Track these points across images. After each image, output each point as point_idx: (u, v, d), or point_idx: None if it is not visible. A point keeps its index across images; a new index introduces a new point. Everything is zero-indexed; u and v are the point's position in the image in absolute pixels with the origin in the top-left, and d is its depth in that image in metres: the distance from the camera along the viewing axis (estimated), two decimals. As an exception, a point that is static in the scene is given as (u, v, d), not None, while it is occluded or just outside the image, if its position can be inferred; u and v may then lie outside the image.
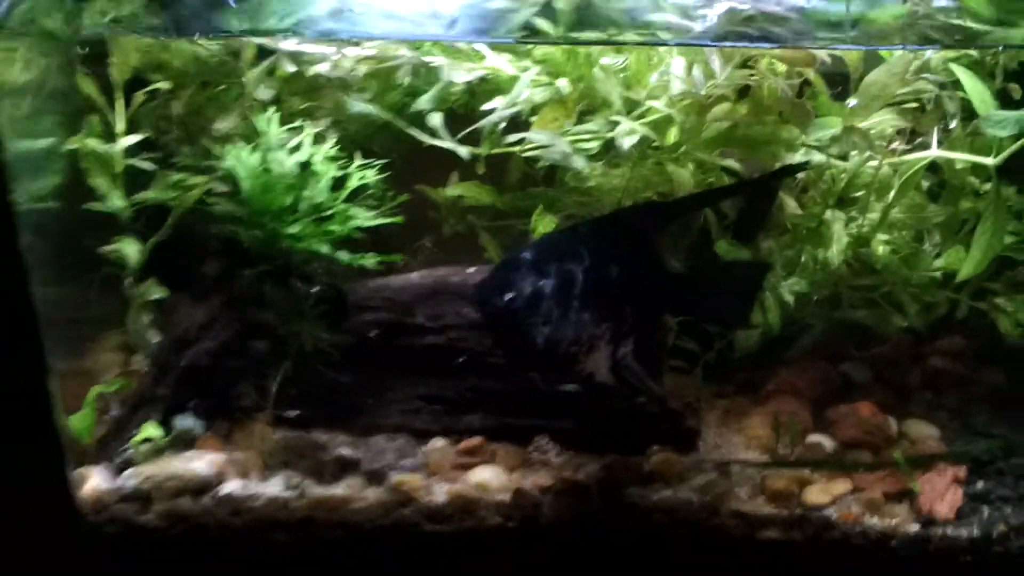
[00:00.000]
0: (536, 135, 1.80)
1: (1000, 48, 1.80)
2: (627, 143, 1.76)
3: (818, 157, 1.86)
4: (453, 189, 2.00)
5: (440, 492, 1.82)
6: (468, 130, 1.87)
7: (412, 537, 1.81)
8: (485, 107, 1.83)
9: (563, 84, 1.79)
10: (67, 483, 1.80)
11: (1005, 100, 1.85)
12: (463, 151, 1.86)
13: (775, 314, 1.93)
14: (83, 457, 1.86)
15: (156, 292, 1.96)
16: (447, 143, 1.86)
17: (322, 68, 1.82)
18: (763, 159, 1.85)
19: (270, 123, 1.80)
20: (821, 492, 1.83)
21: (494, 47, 1.84)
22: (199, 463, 1.84)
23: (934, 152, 1.88)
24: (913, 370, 2.10)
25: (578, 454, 1.89)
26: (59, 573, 1.85)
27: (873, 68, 1.86)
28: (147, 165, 1.89)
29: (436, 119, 1.85)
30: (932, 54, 1.82)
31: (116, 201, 1.88)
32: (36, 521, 1.79)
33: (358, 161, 1.85)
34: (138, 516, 1.80)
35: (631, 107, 1.84)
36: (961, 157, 1.89)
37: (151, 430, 1.86)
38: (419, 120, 1.90)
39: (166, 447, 1.87)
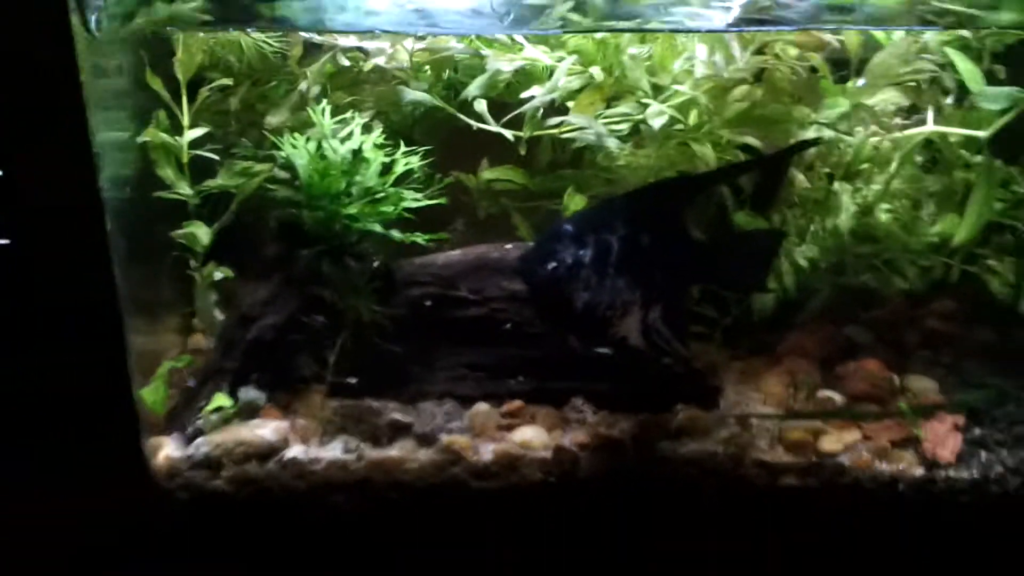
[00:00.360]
0: (575, 118, 1.90)
1: (991, 29, 1.90)
2: (657, 123, 1.86)
3: (827, 134, 1.96)
4: (488, 173, 2.09)
5: (486, 451, 1.92)
6: (510, 116, 1.96)
7: (461, 494, 1.91)
8: (525, 94, 1.92)
9: (596, 72, 1.90)
10: (142, 452, 1.89)
11: (991, 80, 1.93)
12: (508, 134, 1.96)
13: (791, 278, 2.03)
14: (156, 428, 1.96)
15: (222, 273, 2.05)
16: (493, 127, 1.96)
17: (379, 61, 1.93)
18: (778, 137, 1.95)
19: (323, 114, 1.89)
20: (834, 441, 1.94)
21: (531, 40, 1.93)
22: (265, 430, 1.94)
23: (931, 127, 1.98)
24: (911, 330, 2.18)
25: (612, 413, 1.98)
26: (135, 537, 1.92)
27: (871, 53, 1.96)
28: (211, 155, 1.98)
29: (482, 105, 1.94)
30: (930, 36, 1.91)
31: (184, 189, 1.96)
32: (114, 488, 1.88)
33: (403, 149, 1.93)
34: (208, 481, 1.90)
35: (658, 92, 1.94)
36: (955, 131, 1.98)
37: (221, 400, 1.94)
38: (463, 109, 1.99)
39: (233, 417, 1.96)
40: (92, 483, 1.88)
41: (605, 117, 1.95)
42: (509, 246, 2.05)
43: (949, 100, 2.00)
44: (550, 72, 1.94)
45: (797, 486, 1.89)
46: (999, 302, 2.11)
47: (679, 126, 1.95)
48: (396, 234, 1.94)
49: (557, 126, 1.96)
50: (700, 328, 2.06)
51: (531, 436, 1.95)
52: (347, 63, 1.97)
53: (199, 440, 1.93)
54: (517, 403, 2.02)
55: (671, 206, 1.85)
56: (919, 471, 1.89)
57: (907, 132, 2.00)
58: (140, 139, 1.90)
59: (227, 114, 2.03)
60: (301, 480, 1.90)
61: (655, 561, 1.93)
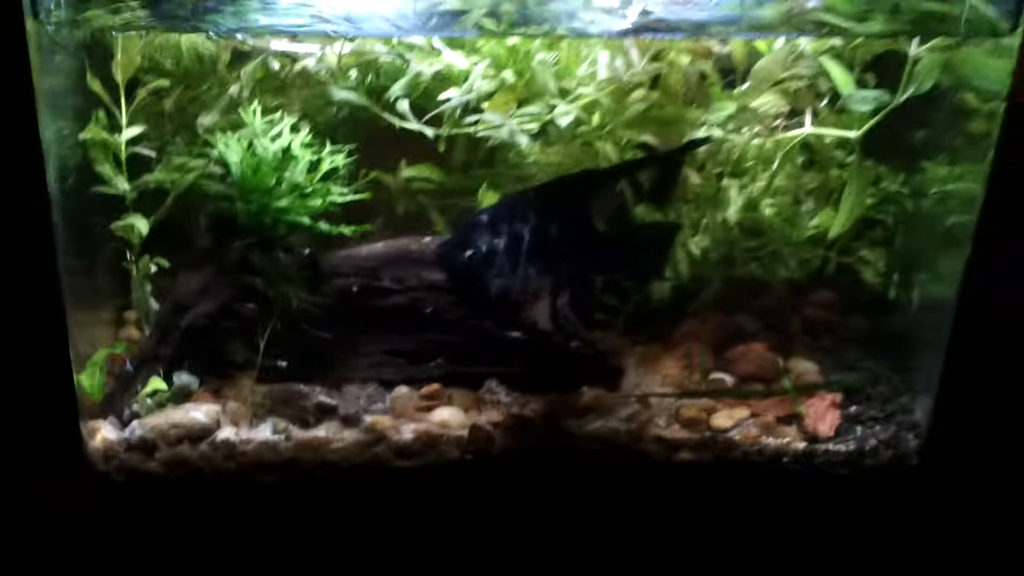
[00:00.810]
0: (490, 117, 2.00)
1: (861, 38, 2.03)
2: (563, 123, 1.97)
3: (716, 133, 2.08)
4: (408, 171, 2.17)
5: (407, 431, 2.00)
6: (429, 116, 2.04)
7: (384, 472, 1.98)
8: (443, 96, 2.00)
9: (508, 75, 1.99)
10: (80, 435, 1.93)
11: (863, 86, 2.06)
12: (428, 132, 2.04)
13: (685, 267, 2.14)
14: (94, 412, 2.00)
15: (157, 264, 2.10)
16: (414, 125, 2.04)
17: (309, 63, 2.00)
18: (672, 136, 2.07)
19: (254, 115, 1.96)
20: (725, 418, 2.07)
21: (449, 45, 2.02)
22: (197, 413, 1.99)
23: (808, 129, 2.10)
24: (794, 317, 2.31)
25: (523, 394, 2.07)
26: (73, 519, 1.96)
27: (755, 60, 2.08)
28: (148, 152, 2.04)
29: (404, 105, 2.02)
30: (805, 45, 2.04)
31: (121, 184, 2.01)
32: (53, 470, 1.92)
33: (329, 148, 2.02)
34: (143, 463, 1.94)
35: (564, 94, 2.03)
36: (830, 133, 2.11)
37: (156, 384, 2.00)
38: (386, 109, 2.07)
39: (167, 401, 2.01)
40: (32, 465, 1.91)
41: (517, 117, 2.04)
42: (428, 239, 2.13)
43: (824, 104, 2.12)
44: (466, 75, 2.02)
45: (692, 460, 2.01)
46: (872, 291, 2.25)
47: (584, 126, 2.05)
48: (323, 226, 2.00)
49: (473, 124, 2.05)
50: (604, 316, 2.15)
51: (449, 416, 2.04)
52: (276, 67, 2.05)
53: (134, 423, 1.98)
54: (436, 386, 2.10)
55: (577, 199, 1.96)
56: (801, 445, 2.02)
57: (787, 133, 2.11)
58: (81, 137, 1.94)
59: (163, 114, 2.07)
60: (232, 461, 1.96)
61: (564, 530, 2.02)
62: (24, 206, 1.75)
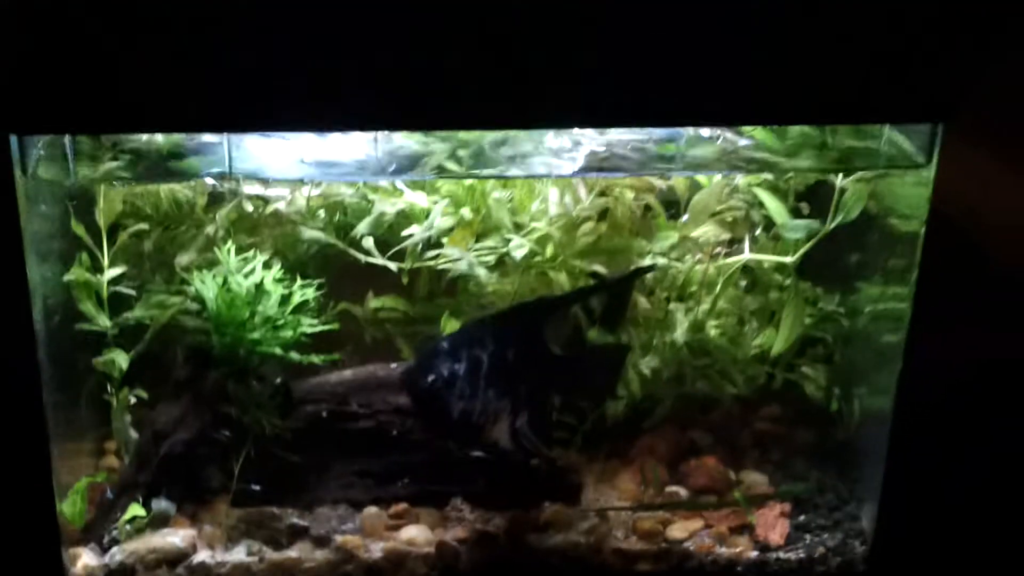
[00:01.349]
0: (450, 251, 2.11)
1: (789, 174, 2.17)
2: (518, 255, 2.08)
3: (661, 261, 2.20)
4: (374, 302, 2.27)
5: (376, 549, 2.07)
6: (393, 251, 2.16)
7: None
8: (406, 232, 2.12)
9: (466, 212, 2.12)
10: (62, 562, 1.99)
11: (798, 215, 2.19)
12: (392, 266, 2.14)
13: (636, 385, 2.23)
14: (75, 539, 2.05)
15: (137, 395, 2.17)
16: (379, 260, 2.15)
17: (280, 205, 2.12)
18: (621, 265, 2.18)
19: (228, 253, 2.06)
20: (680, 529, 2.15)
21: (410, 186, 2.14)
22: (174, 537, 2.06)
23: (746, 255, 2.23)
24: (744, 431, 2.40)
25: (487, 511, 2.15)
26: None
27: (696, 192, 2.21)
28: (128, 291, 2.13)
29: (369, 241, 2.13)
30: (740, 179, 2.18)
31: (103, 321, 2.10)
32: None
33: (299, 282, 2.11)
34: None
35: (519, 228, 2.16)
36: (766, 258, 2.24)
37: (135, 511, 2.05)
38: (353, 246, 2.18)
39: (146, 526, 2.07)
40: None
41: (475, 250, 2.15)
42: (394, 365, 2.23)
43: (760, 232, 2.24)
44: (427, 213, 2.14)
45: (650, 570, 2.09)
46: (816, 405, 2.34)
47: (537, 257, 2.16)
48: (294, 355, 2.09)
49: (434, 258, 2.16)
50: (562, 434, 2.22)
51: (416, 534, 2.11)
52: (250, 208, 2.15)
53: (114, 549, 2.04)
54: (403, 505, 2.17)
55: (532, 325, 2.07)
56: (753, 554, 2.10)
57: (727, 260, 2.24)
58: (66, 278, 2.03)
59: (142, 255, 2.17)
60: (209, 582, 2.07)
61: None
62: (10, 343, 1.84)
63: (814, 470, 2.32)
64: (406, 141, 2.00)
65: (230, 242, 2.11)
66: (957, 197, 1.91)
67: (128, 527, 2.06)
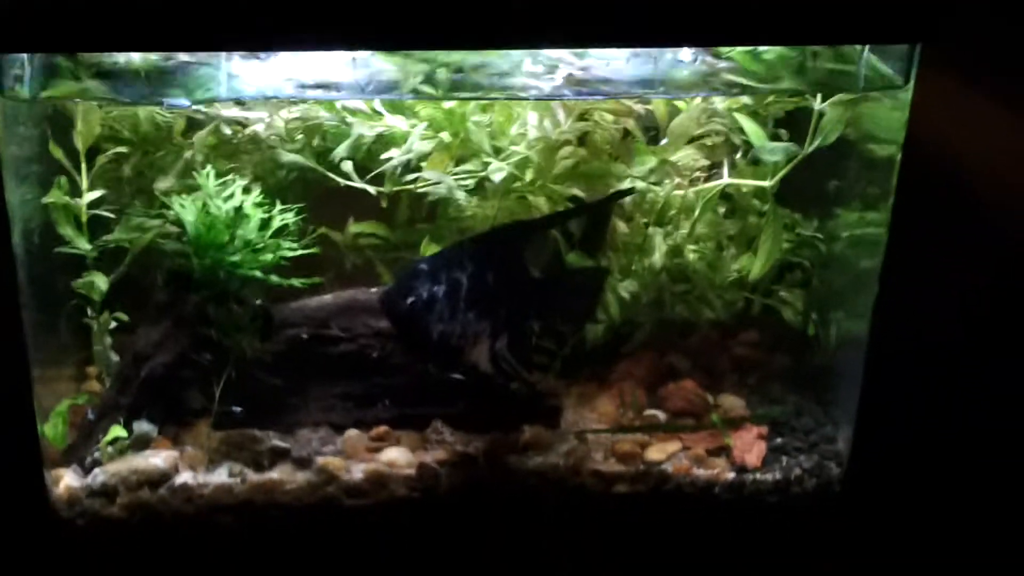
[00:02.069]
0: (429, 174, 2.10)
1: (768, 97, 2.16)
2: (497, 178, 2.07)
3: (640, 185, 2.19)
4: (354, 227, 2.27)
5: (357, 471, 2.08)
6: (372, 174, 2.15)
7: (336, 510, 2.06)
8: (385, 156, 2.11)
9: (445, 136, 2.10)
10: (44, 483, 2.01)
11: (776, 140, 2.18)
12: (371, 190, 2.13)
13: (615, 309, 2.24)
14: (57, 461, 2.07)
15: (117, 318, 2.17)
16: (358, 183, 2.14)
17: (258, 128, 2.10)
18: (600, 189, 2.18)
19: (208, 177, 2.04)
20: (658, 452, 2.16)
21: (389, 108, 2.12)
22: (156, 459, 2.06)
23: (725, 180, 2.22)
24: (721, 356, 2.42)
25: (467, 433, 2.16)
26: (37, 564, 2.03)
27: (675, 116, 2.22)
28: (107, 214, 2.11)
29: (348, 165, 2.12)
30: (719, 103, 2.17)
31: (83, 244, 2.08)
32: (18, 517, 1.99)
33: (279, 207, 2.10)
34: (105, 509, 2.01)
35: (498, 152, 2.15)
36: (744, 183, 2.24)
37: (116, 432, 2.06)
38: (332, 170, 2.16)
39: (127, 448, 2.07)
40: (-4, 513, 2.04)
41: (454, 174, 2.15)
42: (375, 290, 2.22)
43: (739, 157, 2.24)
44: (406, 137, 2.13)
45: (628, 492, 2.10)
46: (793, 330, 2.35)
47: (517, 182, 2.16)
48: (275, 279, 2.08)
49: (413, 182, 2.15)
50: (542, 358, 2.22)
51: (397, 456, 2.12)
52: (228, 132, 2.14)
53: (96, 470, 2.04)
54: (384, 428, 2.18)
55: (511, 248, 2.07)
56: (731, 475, 2.12)
57: (707, 184, 2.23)
58: (44, 200, 2.03)
59: (121, 179, 2.16)
60: (190, 504, 2.02)
61: (508, 563, 2.10)
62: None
63: (791, 394, 2.33)
64: (384, 64, 1.97)
65: (209, 166, 2.09)
66: (934, 120, 1.90)
67: (110, 449, 2.06)
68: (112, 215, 2.16)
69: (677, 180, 2.24)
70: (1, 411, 1.93)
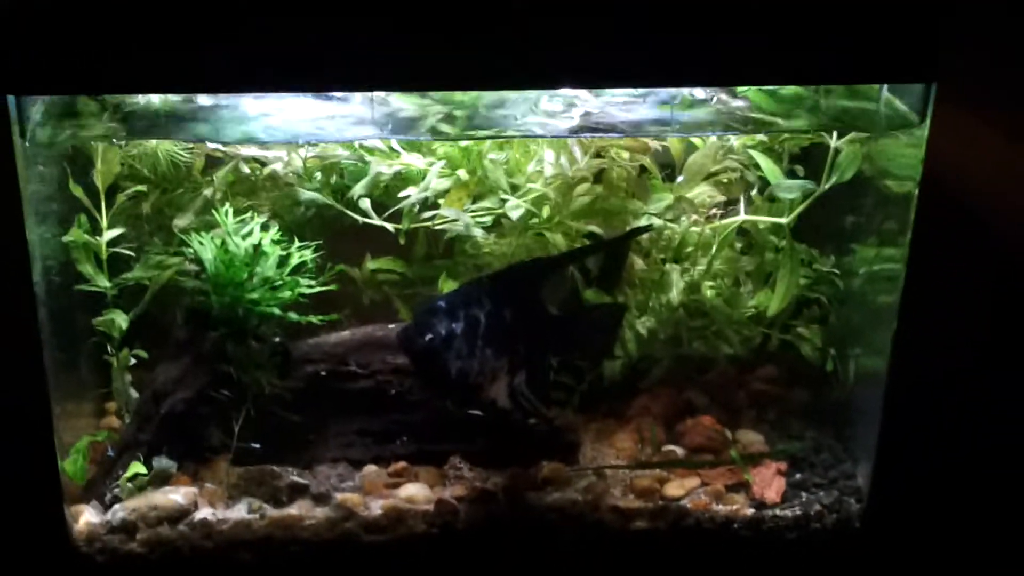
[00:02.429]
0: (446, 211, 2.12)
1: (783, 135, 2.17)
2: (515, 215, 2.09)
3: (657, 222, 2.20)
4: (371, 264, 2.29)
5: (375, 507, 2.08)
6: (390, 212, 2.17)
7: (354, 546, 2.06)
8: (402, 193, 2.13)
9: (462, 174, 2.12)
10: (64, 520, 2.01)
11: (792, 177, 2.19)
12: (389, 227, 2.16)
13: (633, 345, 2.25)
14: (77, 497, 2.08)
15: (137, 355, 2.20)
16: (376, 221, 2.16)
17: (277, 167, 2.13)
18: (616, 225, 2.20)
19: (226, 215, 2.07)
20: (677, 488, 2.16)
21: (407, 147, 2.15)
22: (176, 495, 2.07)
23: (742, 216, 2.23)
24: (740, 391, 2.41)
25: (485, 469, 2.16)
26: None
27: (691, 153, 2.23)
28: (127, 252, 2.14)
29: (366, 203, 2.14)
30: (734, 141, 2.19)
31: (102, 282, 2.11)
32: (39, 554, 2.00)
33: (297, 243, 2.11)
34: (125, 544, 2.02)
35: (515, 189, 2.17)
36: (761, 220, 2.25)
37: (136, 469, 2.07)
38: (349, 208, 2.19)
39: (147, 484, 2.08)
40: (18, 550, 1.99)
41: (471, 211, 2.16)
42: (392, 326, 2.23)
43: (756, 193, 2.25)
44: (423, 175, 2.15)
45: (647, 528, 2.10)
46: (811, 365, 2.34)
47: (534, 219, 2.18)
48: (293, 316, 2.10)
49: (431, 219, 2.17)
50: (560, 394, 2.23)
51: (415, 492, 2.12)
52: (247, 171, 2.17)
53: (116, 506, 2.05)
54: (402, 464, 2.18)
55: (529, 285, 2.07)
56: (750, 511, 2.11)
57: (723, 221, 2.24)
58: (65, 239, 2.05)
59: (140, 217, 2.18)
60: (209, 539, 2.03)
61: None
62: (11, 304, 1.85)
63: (810, 429, 2.33)
64: (402, 103, 1.99)
65: (227, 204, 2.12)
66: (950, 156, 1.90)
67: (130, 485, 2.07)
68: (132, 253, 2.19)
69: (694, 217, 2.25)
70: (22, 447, 1.94)
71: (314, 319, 2.14)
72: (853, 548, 2.13)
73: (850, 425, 2.27)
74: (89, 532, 2.03)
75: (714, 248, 2.26)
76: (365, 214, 2.19)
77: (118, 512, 2.05)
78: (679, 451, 2.27)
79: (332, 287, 2.16)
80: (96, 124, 1.92)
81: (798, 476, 2.20)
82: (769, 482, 2.18)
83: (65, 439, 2.04)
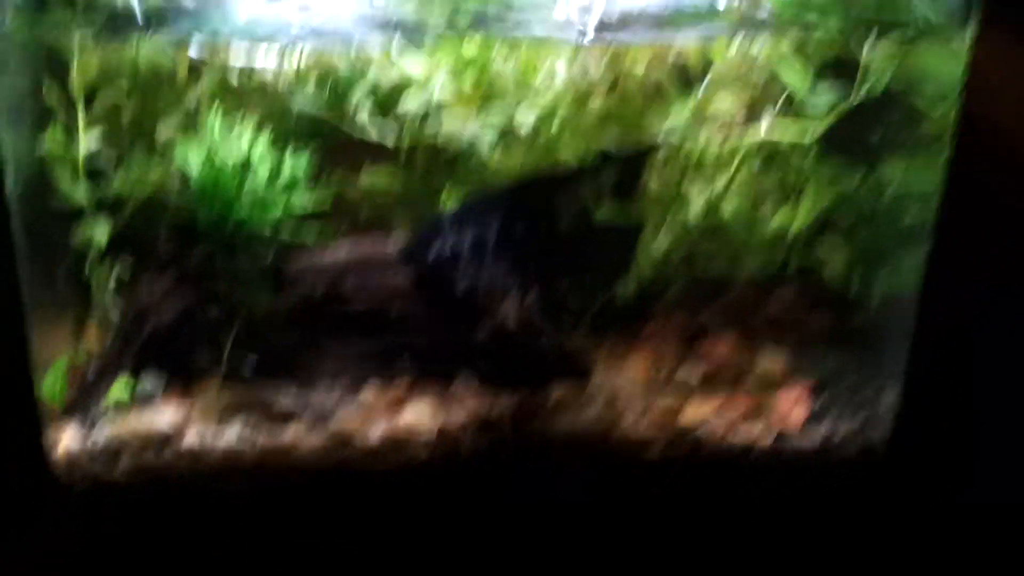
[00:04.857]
0: (451, 121, 2.00)
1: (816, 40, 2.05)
2: (524, 125, 1.97)
3: (676, 135, 2.09)
4: (370, 177, 2.16)
5: (374, 434, 1.98)
6: (388, 123, 2.05)
7: (352, 476, 1.97)
8: (402, 101, 2.00)
9: (467, 81, 2.00)
10: (42, 445, 1.90)
11: (819, 88, 2.08)
12: (389, 138, 2.04)
13: (648, 265, 2.13)
14: (56, 421, 1.96)
15: (118, 272, 2.07)
16: (374, 132, 2.04)
17: (266, 72, 1.99)
18: (633, 139, 2.08)
19: (213, 122, 1.95)
20: (693, 414, 2.05)
21: (408, 54, 2.02)
22: (161, 420, 1.96)
23: (765, 129, 2.11)
24: (759, 314, 2.30)
25: (491, 393, 2.05)
26: (36, 530, 1.93)
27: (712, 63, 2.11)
28: (106, 157, 2.01)
29: (364, 112, 2.01)
30: (762, 45, 2.06)
31: (80, 193, 1.99)
32: (15, 483, 1.88)
33: (289, 155, 2.00)
34: (107, 472, 1.91)
35: (523, 99, 2.04)
36: (786, 133, 2.11)
37: (118, 391, 1.96)
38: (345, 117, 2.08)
39: (130, 407, 1.97)
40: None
41: (477, 122, 2.04)
42: (391, 243, 2.11)
43: (781, 104, 2.11)
44: (426, 81, 2.02)
45: (662, 456, 2.00)
46: (834, 287, 2.24)
47: (543, 131, 2.05)
48: (285, 233, 2.00)
49: (434, 130, 2.04)
50: (571, 315, 2.13)
51: (416, 418, 2.01)
52: (235, 76, 2.04)
53: (97, 431, 1.94)
54: (403, 388, 2.07)
55: (541, 200, 1.99)
56: (770, 439, 2.01)
57: (746, 133, 2.12)
58: (39, 146, 1.92)
59: (121, 124, 2.05)
60: (197, 467, 1.93)
61: (534, 530, 2.00)
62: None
63: (832, 354, 2.23)
64: (404, 6, 1.88)
65: (214, 112, 1.99)
66: (993, 65, 1.78)
67: (112, 409, 1.97)
68: (111, 162, 2.06)
69: (714, 130, 2.12)
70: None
71: (307, 235, 2.03)
72: (878, 478, 2.03)
73: (875, 350, 2.17)
74: (69, 458, 1.92)
75: (735, 163, 2.15)
76: (363, 125, 2.07)
77: (99, 438, 1.94)
78: (696, 376, 2.16)
79: (326, 203, 2.05)
80: (72, 20, 1.81)
81: (820, 403, 2.11)
82: (791, 408, 2.09)
83: (42, 359, 1.91)
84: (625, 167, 2.16)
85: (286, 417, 2.00)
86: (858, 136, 2.16)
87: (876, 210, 2.19)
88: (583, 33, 1.88)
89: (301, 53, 2.05)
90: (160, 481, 1.93)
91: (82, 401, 2.00)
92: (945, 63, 1.84)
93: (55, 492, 1.91)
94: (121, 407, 1.98)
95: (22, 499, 1.92)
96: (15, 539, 1.94)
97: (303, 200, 2.02)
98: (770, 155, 2.22)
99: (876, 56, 1.97)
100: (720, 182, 2.18)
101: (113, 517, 1.94)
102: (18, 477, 1.90)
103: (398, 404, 2.07)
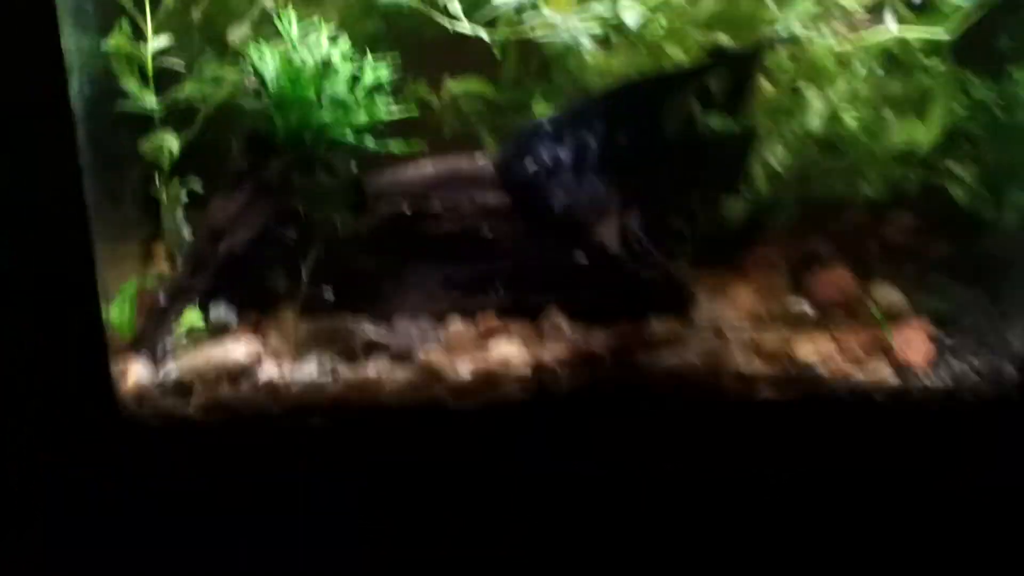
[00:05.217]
0: (551, 16, 1.84)
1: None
2: (631, 21, 1.80)
3: (794, 32, 1.91)
4: (455, 86, 2.02)
5: (464, 369, 1.84)
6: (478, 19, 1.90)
7: (440, 414, 1.84)
8: None
9: None
10: (110, 377, 1.77)
11: None
12: (483, 35, 1.87)
13: (761, 182, 1.98)
14: (125, 351, 1.85)
15: (190, 188, 1.96)
16: (467, 27, 1.87)
17: None
18: (748, 37, 1.91)
19: (289, 24, 1.81)
20: (808, 350, 1.89)
21: None
22: (237, 351, 1.85)
23: (894, 29, 1.93)
24: (875, 241, 2.14)
25: (589, 324, 1.91)
26: (104, 468, 1.84)
27: None
28: (176, 63, 1.89)
29: (456, 5, 1.85)
30: None
31: (149, 99, 1.86)
32: (82, 417, 1.78)
33: (371, 59, 1.86)
34: (180, 406, 1.80)
35: None
36: (916, 34, 1.94)
37: (191, 320, 1.84)
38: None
39: (204, 337, 1.86)
40: (60, 410, 1.77)
41: (579, 17, 1.88)
42: (481, 159, 1.97)
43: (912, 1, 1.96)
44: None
45: (774, 396, 1.85)
46: (961, 212, 2.07)
47: (651, 29, 1.89)
48: (370, 142, 1.85)
49: (531, 26, 1.89)
50: (674, 238, 1.97)
51: (508, 352, 1.88)
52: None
53: (169, 363, 1.84)
54: (493, 319, 1.94)
55: (647, 106, 1.81)
56: (892, 376, 1.86)
57: (870, 34, 1.95)
58: (104, 48, 1.80)
59: (190, 27, 1.93)
60: (275, 402, 1.81)
61: (635, 474, 1.89)
62: (46, 125, 1.59)
63: (960, 286, 2.07)
64: None
65: (290, 13, 1.84)
66: None
67: (184, 339, 1.85)
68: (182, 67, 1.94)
69: (836, 28, 1.96)
70: (61, 294, 1.69)
71: (394, 147, 1.88)
72: (1011, 421, 1.87)
73: (1007, 281, 2.03)
74: (139, 392, 1.80)
75: (858, 68, 1.97)
76: (454, 21, 1.90)
77: (171, 370, 1.83)
78: (807, 308, 1.99)
79: (411, 112, 1.91)
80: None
81: (946, 340, 1.95)
82: (915, 345, 1.92)
83: (110, 285, 1.79)
84: (737, 68, 2.00)
85: (369, 348, 1.90)
86: (994, 42, 2.00)
87: (1011, 124, 2.01)
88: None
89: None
90: (235, 417, 1.81)
91: (152, 329, 1.89)
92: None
93: (124, 428, 1.80)
94: (194, 336, 1.87)
95: (89, 436, 1.82)
96: (83, 479, 1.86)
97: (388, 107, 1.89)
98: (897, 60, 2.06)
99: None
100: (841, 87, 2.01)
101: (185, 455, 1.84)
102: (84, 412, 1.79)
103: (488, 337, 1.95)
